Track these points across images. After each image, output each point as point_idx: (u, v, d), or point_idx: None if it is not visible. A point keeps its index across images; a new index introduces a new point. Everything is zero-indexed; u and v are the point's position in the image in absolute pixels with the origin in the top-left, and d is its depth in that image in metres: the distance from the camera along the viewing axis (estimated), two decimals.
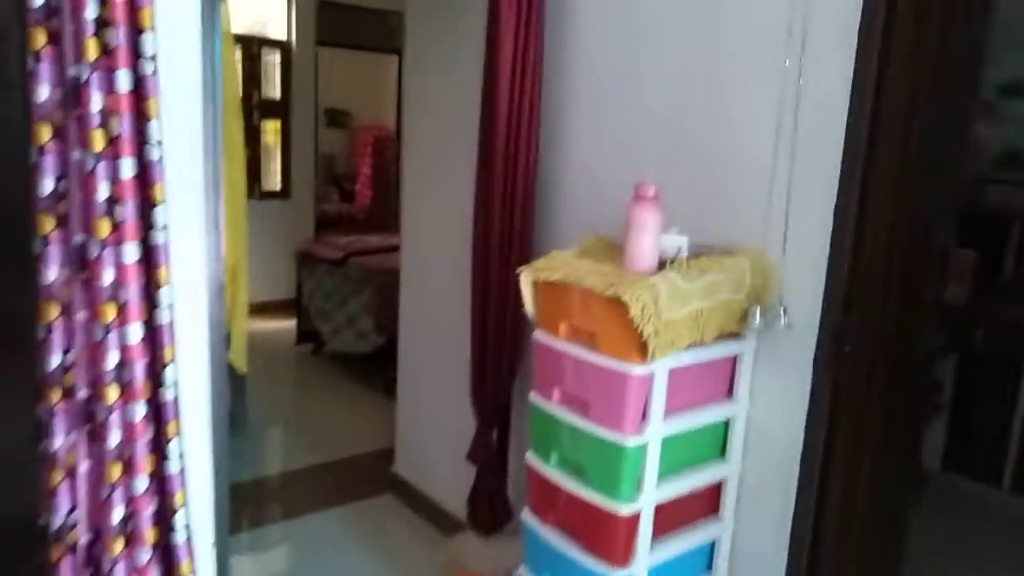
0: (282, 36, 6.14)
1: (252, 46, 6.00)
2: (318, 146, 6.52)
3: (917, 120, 1.75)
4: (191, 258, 1.69)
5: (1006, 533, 3.03)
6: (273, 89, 6.20)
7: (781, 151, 1.73)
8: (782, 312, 1.70)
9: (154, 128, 1.48)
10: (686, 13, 1.95)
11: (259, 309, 5.58)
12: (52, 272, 1.47)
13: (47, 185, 1.44)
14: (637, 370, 1.58)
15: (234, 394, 3.61)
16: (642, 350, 1.56)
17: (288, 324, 5.47)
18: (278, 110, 6.21)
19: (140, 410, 1.54)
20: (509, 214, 2.23)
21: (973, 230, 3.16)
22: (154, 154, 1.50)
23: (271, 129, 6.24)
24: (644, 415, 1.62)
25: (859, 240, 1.69)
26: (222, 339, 1.77)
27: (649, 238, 1.61)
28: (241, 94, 4.66)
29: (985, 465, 3.31)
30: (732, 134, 1.85)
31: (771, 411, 1.82)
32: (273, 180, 6.32)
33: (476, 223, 2.30)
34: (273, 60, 6.15)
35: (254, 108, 6.06)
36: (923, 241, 1.90)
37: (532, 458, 1.84)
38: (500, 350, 2.30)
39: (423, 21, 2.96)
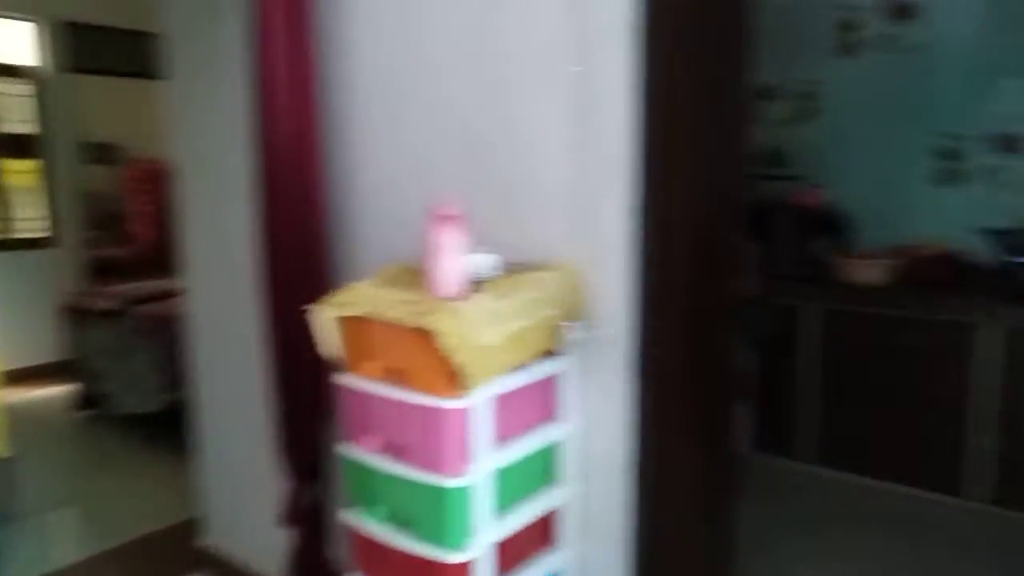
0: (28, 63, 5.40)
1: None
2: (84, 185, 5.80)
3: (701, 121, 1.80)
4: None
5: (817, 502, 3.26)
6: (21, 123, 5.43)
7: (577, 161, 1.70)
8: (596, 324, 1.66)
9: None
10: (469, 28, 1.87)
11: (25, 376, 4.84)
12: None
13: None
14: (452, 404, 1.45)
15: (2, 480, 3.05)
16: (456, 382, 1.44)
17: (63, 389, 4.77)
18: (30, 147, 5.45)
19: None
20: (300, 246, 2.02)
21: (751, 223, 3.40)
22: None
23: (21, 169, 5.46)
24: (468, 452, 1.49)
25: (659, 243, 1.69)
26: None
27: (454, 260, 1.50)
28: None
29: (787, 441, 3.57)
30: (528, 149, 1.79)
31: (597, 426, 1.77)
32: (32, 227, 5.53)
33: (263, 258, 2.07)
34: (18, 91, 5.40)
35: None
36: (717, 238, 1.96)
37: (350, 515, 1.65)
38: (307, 397, 2.07)
39: (183, 42, 2.67)
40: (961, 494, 3.10)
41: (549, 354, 1.67)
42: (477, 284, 1.57)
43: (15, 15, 5.29)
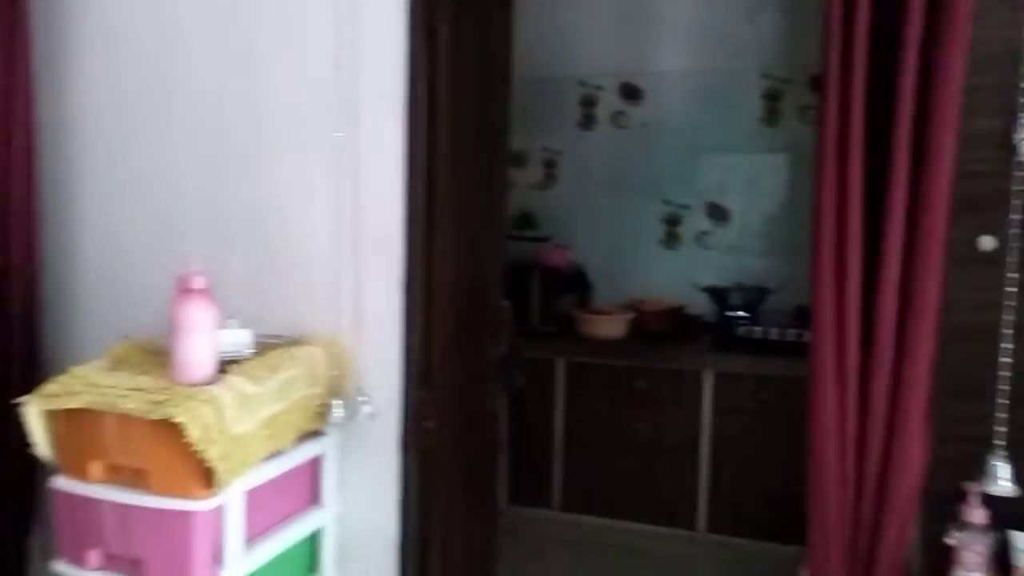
0: None
1: None
2: None
3: (465, 191, 1.83)
4: None
5: (564, 546, 3.40)
6: None
7: (340, 231, 1.63)
8: (362, 400, 1.58)
9: None
10: (224, 85, 1.74)
11: None
12: None
13: None
14: (201, 506, 1.28)
15: None
16: (206, 478, 1.27)
17: None
18: None
19: None
20: (2, 326, 1.69)
21: (506, 283, 3.54)
22: None
23: None
24: (219, 558, 1.32)
25: (426, 312, 1.67)
26: None
27: (202, 339, 1.34)
28: None
29: (539, 490, 3.69)
30: (287, 217, 1.69)
31: (364, 506, 1.67)
32: None
33: None
34: None
35: None
36: (480, 302, 1.99)
37: None
38: (7, 503, 1.71)
39: None
40: (695, 527, 3.42)
41: (310, 435, 1.56)
42: (228, 364, 1.41)
43: None
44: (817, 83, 3.55)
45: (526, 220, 4.11)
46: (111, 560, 1.34)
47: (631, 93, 3.97)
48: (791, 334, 3.22)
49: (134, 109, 1.81)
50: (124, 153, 1.83)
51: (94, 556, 1.34)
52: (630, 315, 3.66)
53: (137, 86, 1.80)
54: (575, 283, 3.95)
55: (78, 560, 1.34)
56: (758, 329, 3.29)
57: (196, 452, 1.24)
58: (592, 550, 3.39)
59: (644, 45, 3.95)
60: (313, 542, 1.62)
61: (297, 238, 1.68)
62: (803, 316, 3.30)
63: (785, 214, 3.72)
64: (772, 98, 3.73)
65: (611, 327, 3.62)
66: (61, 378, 1.38)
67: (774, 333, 3.27)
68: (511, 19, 2.09)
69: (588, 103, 4.05)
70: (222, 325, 1.42)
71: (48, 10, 1.81)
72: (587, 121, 4.07)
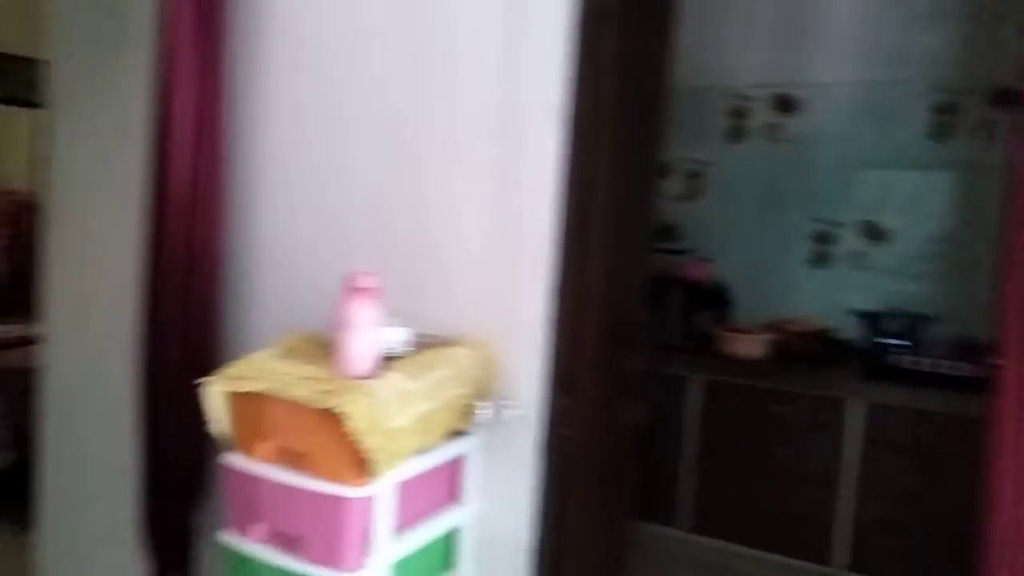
0: None
1: None
2: None
3: (618, 202, 1.82)
4: None
5: (689, 568, 3.30)
6: None
7: (495, 237, 1.67)
8: (507, 403, 1.61)
9: None
10: (389, 95, 1.83)
11: None
12: None
13: None
14: (356, 492, 1.35)
15: None
16: (362, 467, 1.34)
17: None
18: None
19: None
20: (187, 305, 1.86)
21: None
22: None
23: None
24: (369, 544, 1.38)
25: (573, 320, 1.68)
26: None
27: (366, 336, 1.41)
28: None
29: (665, 509, 3.61)
30: (446, 221, 1.75)
31: (500, 509, 1.70)
32: None
33: (144, 315, 1.89)
34: None
35: None
36: (625, 314, 1.97)
37: None
38: (179, 475, 1.88)
39: (75, 71, 2.46)
40: (829, 561, 3.23)
41: (456, 434, 1.60)
42: (387, 361, 1.48)
43: None
44: (1002, 97, 3.28)
45: (667, 232, 4.04)
46: (273, 535, 1.43)
47: (786, 105, 3.82)
48: (956, 367, 2.97)
49: (310, 117, 1.94)
50: (298, 157, 1.96)
51: (258, 529, 1.44)
52: (772, 335, 3.51)
53: (315, 97, 1.93)
54: (714, 299, 3.84)
55: (243, 532, 1.45)
56: (918, 359, 3.06)
57: (355, 441, 1.30)
58: (718, 575, 3.27)
59: (802, 56, 3.79)
60: (450, 539, 1.67)
61: (453, 241, 1.74)
62: (965, 348, 3.04)
63: (951, 236, 3.45)
64: (943, 112, 3.47)
65: (751, 347, 3.49)
66: (240, 363, 1.50)
67: (936, 364, 3.02)
68: (675, 30, 2.07)
69: (738, 114, 3.94)
70: (384, 322, 1.49)
71: (242, 26, 1.97)
72: (736, 133, 3.96)
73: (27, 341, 3.95)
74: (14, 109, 6.05)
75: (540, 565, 1.68)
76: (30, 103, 5.62)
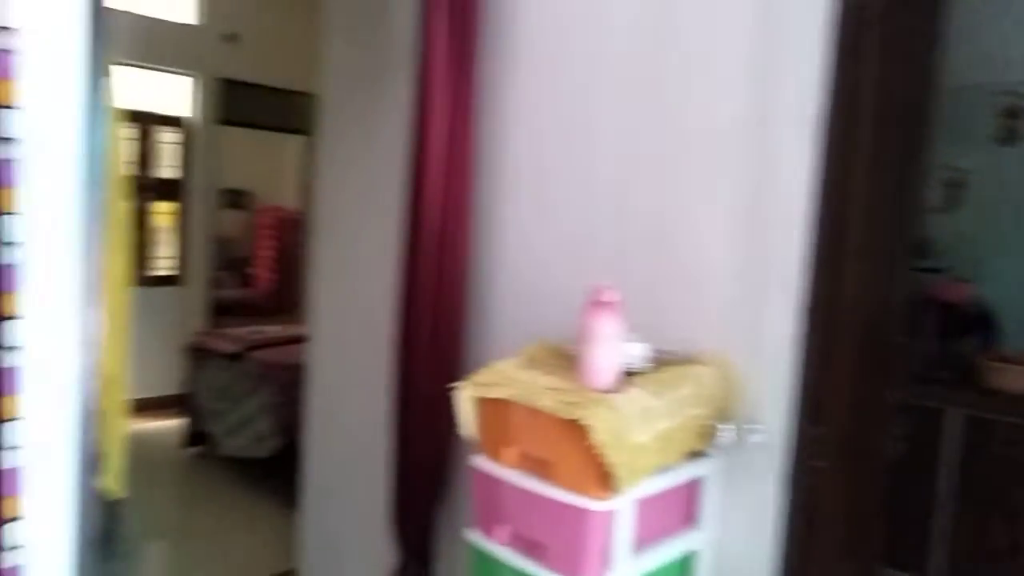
0: (181, 113, 5.81)
1: (145, 124, 5.64)
2: (215, 228, 6.13)
3: (876, 219, 1.68)
4: (58, 380, 1.38)
5: None
6: (169, 169, 5.82)
7: (741, 250, 1.61)
8: (750, 426, 1.54)
9: (10, 225, 1.19)
10: (635, 101, 1.84)
11: (142, 407, 5.03)
12: None
13: None
14: (600, 505, 1.35)
15: (109, 517, 3.12)
16: (604, 481, 1.35)
17: (174, 424, 4.94)
18: (174, 191, 5.81)
19: None
20: (436, 315, 2.00)
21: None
22: (9, 256, 1.20)
23: (164, 211, 5.82)
24: (609, 558, 1.39)
25: (825, 343, 1.57)
26: (92, 482, 1.44)
27: (609, 350, 1.42)
28: (128, 174, 4.31)
29: (915, 555, 3.24)
30: (689, 236, 1.72)
31: (739, 538, 1.63)
32: (165, 265, 5.86)
33: (399, 323, 2.06)
34: (170, 139, 5.80)
35: (143, 189, 5.64)
36: (882, 338, 1.81)
37: None
38: (425, 473, 2.02)
39: (340, 101, 2.77)
40: None
41: (695, 455, 1.56)
42: (628, 375, 1.48)
43: (178, 71, 5.72)
44: None
45: (920, 248, 3.65)
46: (515, 538, 1.49)
47: None
48: None
49: (555, 131, 2.00)
50: (539, 172, 2.03)
51: (502, 532, 1.50)
52: None
53: (561, 110, 1.99)
54: (976, 324, 3.40)
55: (488, 533, 1.52)
56: None
57: (598, 454, 1.31)
58: None
59: None
60: (686, 563, 1.62)
61: (695, 255, 1.70)
62: None
63: None
64: None
65: (1021, 380, 3.04)
66: (487, 370, 1.57)
67: None
68: (944, 30, 1.87)
69: (1011, 115, 3.47)
70: (624, 337, 1.49)
71: (490, 49, 2.09)
72: (1009, 136, 3.48)
73: (291, 340, 4.49)
74: (285, 136, 6.94)
75: None
76: (298, 131, 6.45)
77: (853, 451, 1.69)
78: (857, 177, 1.58)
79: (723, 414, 1.56)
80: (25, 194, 1.21)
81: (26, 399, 1.24)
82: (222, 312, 6.22)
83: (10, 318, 1.19)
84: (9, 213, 1.18)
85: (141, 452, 4.58)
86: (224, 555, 3.46)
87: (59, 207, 1.38)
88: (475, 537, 1.55)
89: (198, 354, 4.58)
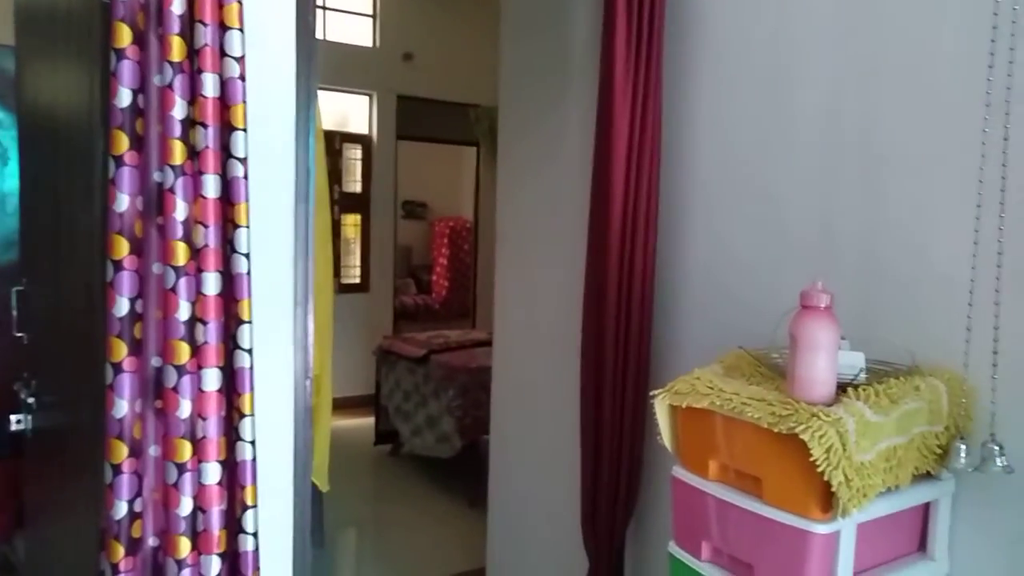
0: (362, 130, 6.21)
1: (334, 141, 6.08)
2: (396, 238, 6.48)
3: None
4: (277, 380, 1.50)
5: None
6: (353, 183, 6.23)
7: (977, 247, 1.43)
8: (996, 448, 1.36)
9: (243, 237, 1.30)
10: (836, 92, 1.70)
11: (338, 406, 5.39)
12: (123, 405, 1.26)
13: (122, 305, 1.26)
14: (821, 528, 1.25)
15: (314, 510, 3.37)
16: (825, 501, 1.24)
17: (365, 422, 5.26)
18: (358, 203, 6.21)
19: (214, 565, 1.30)
20: (625, 323, 1.96)
21: None
22: (242, 266, 1.31)
23: (351, 222, 6.24)
24: None
25: None
26: (307, 476, 1.54)
27: (825, 358, 1.31)
28: (328, 188, 4.67)
29: None
30: (904, 232, 1.56)
31: (973, 570, 1.45)
32: (353, 273, 6.28)
33: (586, 331, 2.04)
34: (354, 154, 6.21)
35: (335, 202, 6.08)
36: None
37: None
38: (615, 481, 1.98)
39: (519, 113, 2.81)
40: None
41: (925, 477, 1.40)
42: (843, 388, 1.36)
43: (359, 90, 6.13)
44: None
45: None
46: (719, 555, 1.41)
47: None
48: None
49: (745, 127, 1.91)
50: (733, 170, 1.94)
51: (706, 548, 1.43)
52: None
53: (749, 106, 1.89)
54: None
55: (691, 548, 1.46)
56: None
57: (816, 472, 1.21)
58: None
59: None
60: None
61: (915, 256, 1.54)
62: None
63: None
64: None
65: None
66: (685, 378, 1.51)
67: None
68: None
69: None
70: (839, 345, 1.37)
71: (675, 55, 2.03)
72: None
73: (470, 344, 4.63)
74: (458, 149, 7.22)
75: None
76: (470, 143, 6.68)
77: None
78: None
79: (956, 432, 1.39)
80: (252, 209, 1.32)
81: (256, 397, 1.34)
82: (403, 317, 6.56)
83: (244, 322, 1.30)
84: (242, 226, 1.29)
85: (337, 448, 4.92)
86: (412, 548, 3.63)
87: (279, 220, 1.50)
88: (676, 551, 1.49)
89: (387, 357, 4.85)
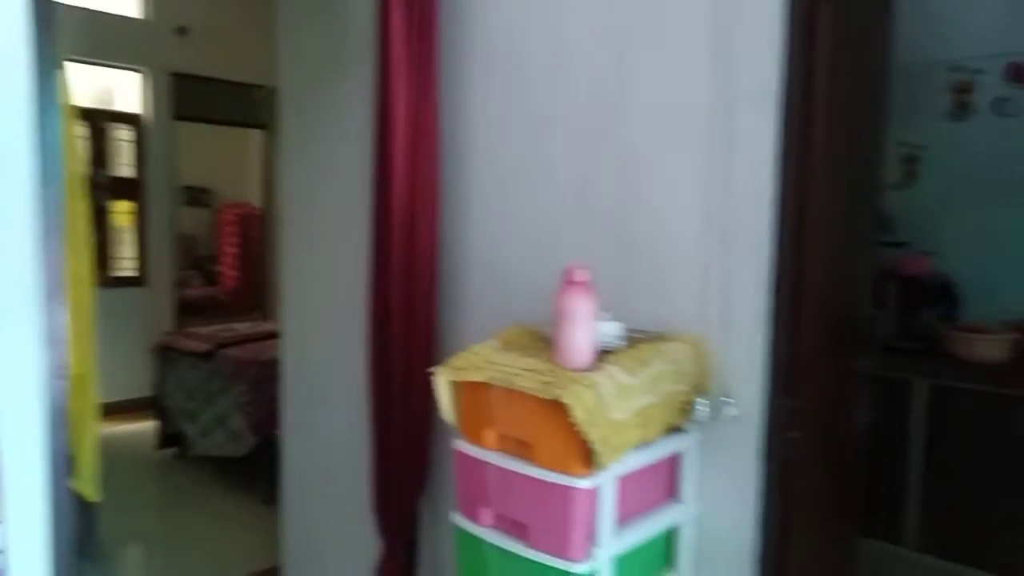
0: (133, 109, 5.68)
1: (98, 120, 5.51)
2: (177, 227, 6.01)
3: (836, 188, 1.71)
4: (24, 380, 1.35)
5: None
6: (124, 166, 5.69)
7: (710, 227, 1.63)
8: (726, 400, 1.56)
9: None
10: (594, 81, 1.84)
11: (111, 411, 4.94)
12: None
13: None
14: (583, 483, 1.37)
15: (83, 521, 3.07)
16: (586, 458, 1.36)
17: (146, 426, 4.86)
18: (131, 189, 5.69)
19: None
20: (410, 302, 1.99)
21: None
22: None
23: (123, 210, 5.70)
24: (593, 535, 1.40)
25: (796, 317, 1.60)
26: (65, 484, 1.41)
27: (584, 329, 1.43)
28: (85, 173, 4.21)
29: (888, 524, 3.32)
30: (654, 210, 1.73)
31: (720, 510, 1.66)
32: (127, 265, 5.75)
33: (372, 313, 2.05)
34: (124, 136, 5.67)
35: (100, 188, 5.51)
36: (848, 310, 1.85)
37: None
38: (407, 459, 2.02)
39: (299, 94, 2.73)
40: None
41: (673, 431, 1.58)
42: (603, 354, 1.49)
43: (126, 66, 5.59)
44: None
45: (881, 223, 3.73)
46: (500, 519, 1.49)
47: (1020, 75, 3.39)
48: None
49: (515, 116, 2.00)
50: (506, 156, 2.03)
51: (486, 514, 1.51)
52: (1016, 335, 3.13)
53: (519, 94, 1.99)
54: (938, 295, 3.48)
55: (472, 515, 1.53)
56: None
57: (578, 432, 1.32)
58: None
59: None
60: (670, 538, 1.64)
61: (663, 235, 1.72)
62: None
63: None
64: None
65: (989, 348, 3.12)
66: (464, 354, 1.57)
67: None
68: (895, 3, 1.91)
69: (962, 90, 3.55)
70: (598, 316, 1.50)
71: (450, 35, 2.08)
72: (959, 110, 3.56)
73: (262, 336, 4.44)
74: (244, 132, 6.83)
75: (764, 572, 1.61)
76: (258, 125, 6.35)
77: (826, 421, 1.73)
78: (817, 153, 1.61)
79: (699, 389, 1.58)
80: None
81: None
82: (189, 312, 6.12)
83: None
84: None
85: (115, 456, 4.51)
86: (204, 555, 3.43)
87: (19, 206, 1.35)
88: (459, 520, 1.56)
89: (167, 354, 4.51)
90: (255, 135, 6.87)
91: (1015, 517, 3.00)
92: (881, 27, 1.92)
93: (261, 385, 3.85)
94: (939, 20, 3.57)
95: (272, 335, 4.36)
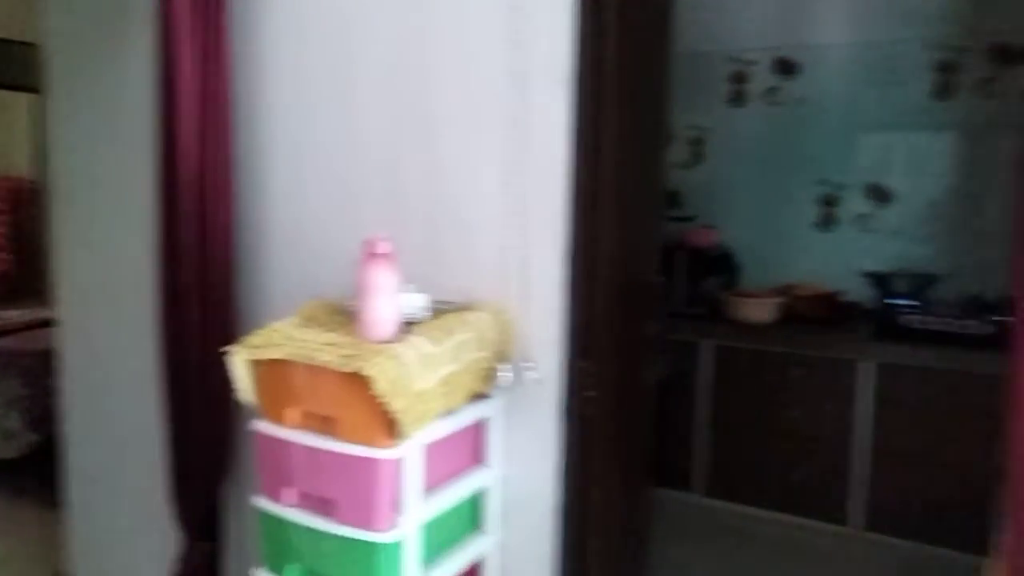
0: None
1: None
2: None
3: (626, 164, 1.83)
4: None
5: (706, 532, 3.35)
6: None
7: (507, 201, 1.68)
8: (527, 365, 1.63)
9: None
10: (396, 62, 1.83)
11: None
12: None
13: None
14: (385, 454, 1.37)
15: None
16: (390, 430, 1.37)
17: None
18: None
19: None
20: (205, 280, 1.87)
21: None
22: None
23: None
24: (399, 504, 1.41)
25: (589, 285, 1.70)
26: None
27: (387, 300, 1.43)
28: None
29: (680, 473, 3.65)
30: (457, 187, 1.76)
31: (525, 471, 1.73)
32: None
33: (162, 293, 1.90)
34: None
35: None
36: (639, 278, 1.99)
37: (262, 575, 1.52)
38: (207, 445, 1.91)
39: (71, 55, 2.45)
40: (844, 522, 3.27)
41: (478, 397, 1.63)
42: (407, 325, 1.50)
43: None
44: (1001, 52, 3.26)
45: (671, 199, 4.04)
46: (305, 498, 1.46)
47: (786, 68, 3.80)
48: (965, 325, 2.99)
49: (317, 87, 1.94)
50: (308, 128, 1.96)
51: (289, 493, 1.47)
52: (781, 299, 3.53)
53: (320, 66, 1.93)
54: (721, 265, 3.85)
55: (276, 496, 1.48)
56: (927, 319, 3.08)
57: (382, 404, 1.32)
58: (736, 538, 3.32)
59: (801, 17, 3.77)
60: (477, 501, 1.70)
61: (466, 209, 1.75)
62: (973, 306, 3.06)
63: (956, 196, 3.45)
64: (944, 70, 3.45)
65: (760, 311, 3.51)
66: (262, 331, 1.51)
67: (946, 323, 3.04)
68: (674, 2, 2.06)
69: (738, 79, 3.92)
70: (402, 289, 1.51)
71: (244, 7, 1.96)
72: (737, 98, 3.94)
73: (37, 324, 3.99)
74: (14, 94, 6.02)
75: (565, 526, 1.71)
76: (30, 88, 5.61)
77: (619, 381, 1.86)
78: (609, 131, 1.71)
79: (502, 356, 1.64)
80: None
81: None
82: None
83: None
84: None
85: None
86: None
87: None
88: (262, 503, 1.51)
89: None
90: (22, 99, 6.08)
91: (786, 460, 3.42)
92: (664, 17, 2.06)
93: (40, 378, 3.46)
94: (720, 12, 3.90)
95: (51, 322, 3.92)
